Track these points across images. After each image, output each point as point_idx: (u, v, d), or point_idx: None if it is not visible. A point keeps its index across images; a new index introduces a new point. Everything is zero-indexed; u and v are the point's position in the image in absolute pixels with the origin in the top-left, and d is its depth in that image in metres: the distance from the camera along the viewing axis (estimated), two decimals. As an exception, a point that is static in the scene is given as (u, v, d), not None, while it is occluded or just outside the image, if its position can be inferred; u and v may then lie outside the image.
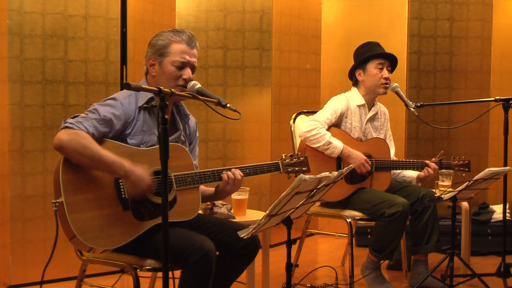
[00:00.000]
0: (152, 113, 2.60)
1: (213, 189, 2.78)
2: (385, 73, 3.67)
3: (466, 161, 3.75)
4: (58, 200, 2.39)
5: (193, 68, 2.64)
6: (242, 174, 2.68)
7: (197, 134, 2.86)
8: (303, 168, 2.88)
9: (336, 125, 3.66)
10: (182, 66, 2.60)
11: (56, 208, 2.40)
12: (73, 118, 2.46)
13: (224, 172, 2.65)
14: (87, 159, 2.37)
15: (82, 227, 2.37)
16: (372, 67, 3.67)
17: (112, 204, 2.43)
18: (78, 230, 2.36)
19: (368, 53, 3.68)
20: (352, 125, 3.68)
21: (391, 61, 3.71)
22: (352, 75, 3.77)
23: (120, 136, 2.53)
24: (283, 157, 2.87)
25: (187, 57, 2.61)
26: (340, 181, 3.51)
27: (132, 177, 2.39)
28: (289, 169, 2.86)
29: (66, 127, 2.40)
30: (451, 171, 3.86)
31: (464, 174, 3.74)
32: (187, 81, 2.60)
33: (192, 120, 2.84)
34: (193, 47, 2.64)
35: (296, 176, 2.79)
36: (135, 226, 2.47)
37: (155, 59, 2.63)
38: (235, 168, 2.68)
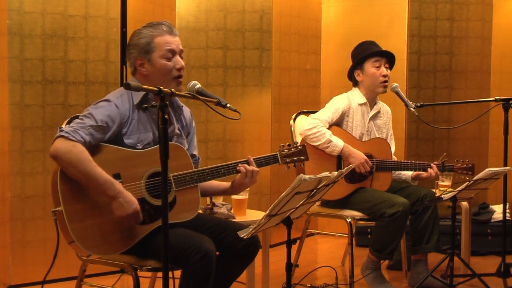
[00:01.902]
0: (147, 111, 2.59)
1: (227, 183, 2.77)
2: (383, 70, 3.67)
3: (470, 165, 3.74)
4: (57, 209, 2.38)
5: (181, 54, 2.64)
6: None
7: (194, 124, 2.84)
8: (302, 157, 2.83)
9: (337, 124, 3.66)
10: (171, 56, 2.60)
11: (55, 217, 2.39)
12: (68, 123, 2.44)
13: (240, 165, 2.65)
14: (80, 174, 2.35)
15: (83, 235, 2.37)
16: (369, 66, 3.68)
17: (111, 211, 2.40)
18: (79, 239, 2.36)
19: (364, 53, 3.69)
20: (354, 124, 3.69)
21: (388, 59, 3.71)
22: (351, 76, 3.78)
23: (117, 137, 2.52)
24: (281, 147, 2.83)
25: (173, 46, 2.60)
26: (340, 180, 3.51)
27: (121, 199, 2.37)
28: (287, 160, 2.81)
29: (62, 136, 2.38)
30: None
31: (468, 178, 3.73)
32: (180, 70, 2.60)
33: (187, 111, 2.81)
34: (174, 34, 2.63)
35: (295, 167, 2.77)
36: (135, 230, 2.46)
37: (142, 58, 2.59)
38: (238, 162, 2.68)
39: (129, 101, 2.56)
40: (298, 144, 2.85)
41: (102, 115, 2.47)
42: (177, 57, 2.61)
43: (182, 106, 2.78)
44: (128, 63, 2.67)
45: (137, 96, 2.57)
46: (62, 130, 2.40)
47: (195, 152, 2.81)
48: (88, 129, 2.41)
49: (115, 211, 2.37)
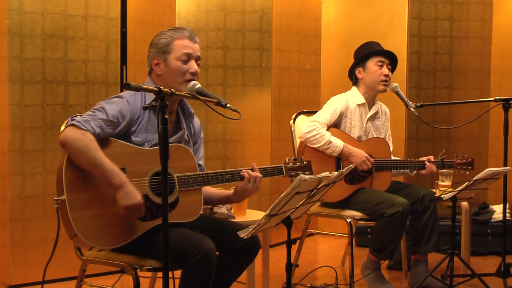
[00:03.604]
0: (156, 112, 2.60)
1: (228, 191, 2.78)
2: (385, 70, 3.68)
3: (469, 160, 3.74)
4: (60, 198, 2.39)
5: (197, 60, 2.67)
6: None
7: (202, 135, 2.87)
8: (306, 172, 2.88)
9: (335, 125, 3.66)
10: (187, 59, 2.63)
11: (58, 206, 2.40)
12: (80, 115, 2.46)
13: (244, 170, 2.67)
14: (87, 162, 2.37)
15: (83, 225, 2.37)
16: (372, 64, 3.68)
17: (114, 203, 2.42)
18: (79, 228, 2.36)
19: (369, 50, 3.69)
20: (352, 125, 3.68)
21: (391, 60, 3.72)
22: (352, 74, 3.78)
23: (125, 134, 2.54)
24: (287, 160, 2.87)
25: (191, 51, 2.64)
26: (340, 182, 3.50)
27: (127, 189, 2.38)
28: (292, 173, 2.86)
29: (74, 125, 2.40)
30: (451, 171, 3.86)
31: (467, 173, 3.74)
32: (194, 74, 2.62)
33: (197, 121, 2.85)
34: (195, 41, 2.68)
35: None
36: (136, 226, 2.47)
37: (159, 57, 2.64)
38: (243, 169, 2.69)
39: (141, 101, 2.59)
40: (304, 159, 2.90)
41: (114, 111, 2.49)
42: (193, 62, 2.64)
43: (193, 114, 2.80)
44: (146, 62, 2.71)
45: (150, 97, 2.58)
46: (73, 119, 2.42)
47: (201, 162, 2.82)
48: (99, 121, 2.44)
49: (120, 201, 2.38)
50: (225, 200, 2.85)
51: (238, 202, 2.88)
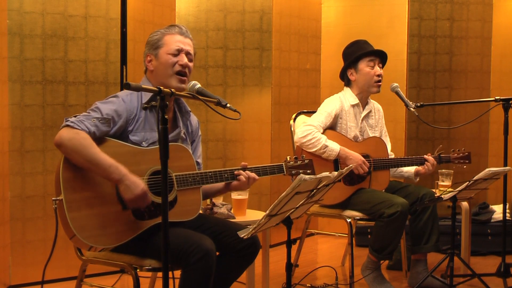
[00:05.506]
0: (154, 110, 2.61)
1: (219, 184, 2.78)
2: (377, 70, 3.67)
3: (466, 153, 3.74)
4: (58, 198, 2.39)
5: (188, 55, 2.68)
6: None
7: (199, 133, 2.88)
8: (308, 171, 2.87)
9: (331, 127, 3.65)
10: (176, 53, 2.65)
11: (56, 206, 2.40)
12: (75, 116, 2.47)
13: (241, 174, 2.67)
14: (85, 160, 2.37)
15: (81, 225, 2.37)
16: (364, 65, 3.67)
17: (111, 203, 2.43)
18: (77, 228, 2.36)
19: (358, 52, 3.68)
20: (348, 125, 3.68)
21: (381, 58, 3.72)
22: (343, 76, 3.77)
23: (122, 133, 2.55)
24: (288, 159, 2.87)
25: (181, 45, 2.67)
26: (339, 184, 3.50)
27: (127, 182, 2.39)
28: (293, 172, 2.85)
29: (68, 125, 2.41)
30: (451, 171, 3.86)
31: (465, 166, 3.73)
32: (184, 67, 2.64)
33: (194, 118, 2.85)
34: (186, 36, 2.71)
35: None
36: (134, 225, 2.47)
37: (151, 53, 2.69)
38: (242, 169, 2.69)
39: (137, 100, 2.60)
40: (305, 158, 2.89)
41: (109, 109, 2.51)
42: (182, 55, 2.66)
43: (190, 112, 2.81)
44: (143, 62, 2.75)
45: (147, 96, 2.59)
46: (68, 120, 2.43)
47: (199, 160, 2.83)
48: (94, 120, 2.45)
49: (124, 194, 2.40)
50: (218, 194, 2.87)
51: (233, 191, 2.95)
